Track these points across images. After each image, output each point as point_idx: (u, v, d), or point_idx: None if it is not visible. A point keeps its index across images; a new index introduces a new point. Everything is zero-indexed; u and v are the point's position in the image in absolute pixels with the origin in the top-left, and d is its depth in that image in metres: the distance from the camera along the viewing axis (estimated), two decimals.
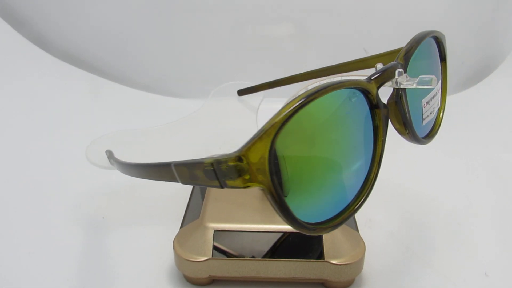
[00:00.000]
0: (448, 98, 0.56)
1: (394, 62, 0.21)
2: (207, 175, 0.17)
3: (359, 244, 0.26)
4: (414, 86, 0.20)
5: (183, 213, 0.30)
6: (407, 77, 0.20)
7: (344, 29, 0.54)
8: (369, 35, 0.54)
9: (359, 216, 0.31)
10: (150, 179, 0.22)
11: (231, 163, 0.16)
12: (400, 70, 0.20)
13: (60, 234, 0.32)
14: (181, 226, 0.29)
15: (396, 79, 0.20)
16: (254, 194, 0.29)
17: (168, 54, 0.56)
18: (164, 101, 0.55)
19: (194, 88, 0.56)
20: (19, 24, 0.55)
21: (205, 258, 0.25)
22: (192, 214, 0.30)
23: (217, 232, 0.26)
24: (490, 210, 0.34)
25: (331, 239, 0.25)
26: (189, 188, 0.34)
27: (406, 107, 0.22)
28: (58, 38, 0.56)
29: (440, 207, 0.34)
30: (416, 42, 0.23)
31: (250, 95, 0.40)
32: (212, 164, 0.17)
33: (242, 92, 0.41)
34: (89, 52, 0.56)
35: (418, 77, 0.20)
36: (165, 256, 0.29)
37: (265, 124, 0.16)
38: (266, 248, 0.26)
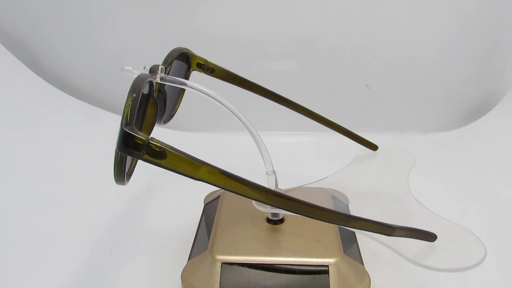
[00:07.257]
0: (449, 132, 0.58)
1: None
2: None
3: (365, 278, 0.26)
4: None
5: (191, 246, 0.31)
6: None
7: (347, 65, 0.55)
8: (371, 71, 0.55)
9: (364, 249, 0.32)
10: None
11: None
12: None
13: (69, 265, 0.32)
14: (189, 259, 0.29)
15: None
16: (261, 226, 0.30)
17: None
18: (172, 134, 0.56)
19: (202, 122, 0.57)
20: (14, 46, 0.55)
21: None
22: (200, 246, 0.30)
23: (224, 264, 0.26)
24: (490, 244, 0.34)
25: (337, 273, 0.26)
26: (195, 221, 0.34)
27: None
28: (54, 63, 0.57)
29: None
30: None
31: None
32: None
33: None
34: (87, 80, 0.57)
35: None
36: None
37: None
38: (273, 282, 0.27)
